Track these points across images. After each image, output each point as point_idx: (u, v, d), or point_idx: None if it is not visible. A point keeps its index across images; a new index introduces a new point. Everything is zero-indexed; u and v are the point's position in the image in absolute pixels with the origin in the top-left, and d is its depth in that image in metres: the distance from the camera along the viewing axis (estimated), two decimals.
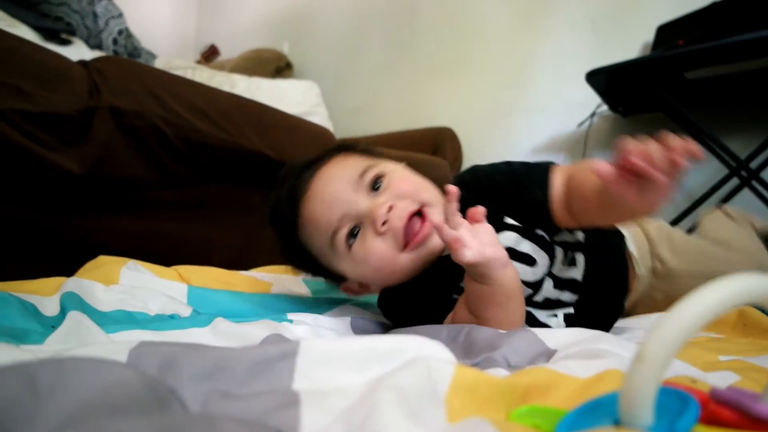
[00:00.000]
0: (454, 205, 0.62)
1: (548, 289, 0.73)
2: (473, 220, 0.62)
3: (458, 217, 0.62)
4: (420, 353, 0.35)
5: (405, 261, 0.70)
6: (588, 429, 0.23)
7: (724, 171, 1.60)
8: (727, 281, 0.22)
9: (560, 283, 0.73)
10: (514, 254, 0.70)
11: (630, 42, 1.92)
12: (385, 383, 0.28)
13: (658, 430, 0.22)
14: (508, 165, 0.76)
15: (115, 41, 1.87)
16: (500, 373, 0.41)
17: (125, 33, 1.92)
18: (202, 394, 0.33)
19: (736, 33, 1.39)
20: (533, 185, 0.71)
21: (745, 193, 1.63)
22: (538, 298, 0.73)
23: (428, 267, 0.72)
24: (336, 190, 0.72)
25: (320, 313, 0.79)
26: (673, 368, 0.40)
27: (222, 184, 1.32)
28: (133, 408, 0.29)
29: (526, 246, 0.71)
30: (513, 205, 0.72)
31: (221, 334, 0.57)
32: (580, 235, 0.76)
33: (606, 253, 0.79)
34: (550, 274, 0.73)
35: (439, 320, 0.73)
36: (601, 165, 0.53)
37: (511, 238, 0.71)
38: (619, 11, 2.01)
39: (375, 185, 0.72)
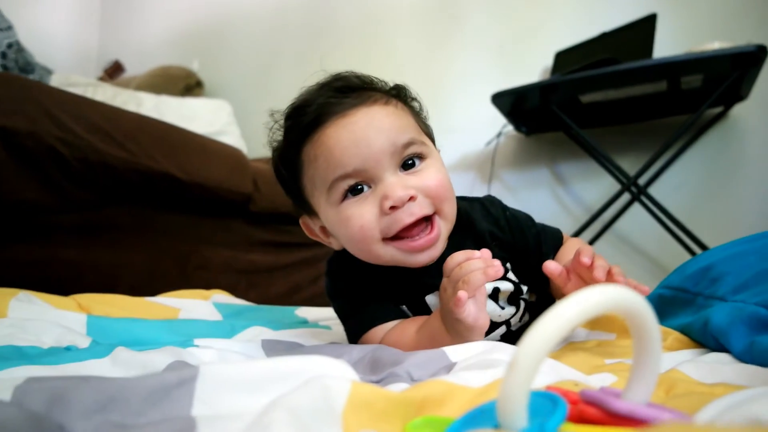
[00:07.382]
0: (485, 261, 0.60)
1: (497, 335, 0.74)
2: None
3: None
4: (320, 372, 0.35)
5: (381, 251, 0.66)
6: None
7: (617, 187, 1.73)
8: (585, 294, 0.24)
9: (507, 334, 0.75)
10: (495, 295, 0.72)
11: (532, 66, 2.04)
12: (279, 403, 0.29)
13: (530, 430, 0.24)
14: (533, 221, 0.78)
15: (3, 55, 1.75)
16: (403, 387, 0.42)
17: (16, 47, 1.80)
18: (94, 427, 0.32)
19: (621, 62, 1.52)
20: (549, 249, 0.75)
21: (636, 207, 1.78)
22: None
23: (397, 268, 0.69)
24: (374, 139, 0.64)
25: (230, 336, 0.77)
26: (560, 373, 0.43)
27: (126, 206, 1.26)
28: None
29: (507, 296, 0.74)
30: (528, 259, 0.73)
31: (121, 364, 0.54)
32: (533, 297, 0.79)
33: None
34: (507, 323, 0.74)
35: (380, 314, 0.72)
36: (552, 265, 0.62)
37: (506, 287, 0.73)
38: (522, 36, 2.14)
39: (409, 161, 0.67)
